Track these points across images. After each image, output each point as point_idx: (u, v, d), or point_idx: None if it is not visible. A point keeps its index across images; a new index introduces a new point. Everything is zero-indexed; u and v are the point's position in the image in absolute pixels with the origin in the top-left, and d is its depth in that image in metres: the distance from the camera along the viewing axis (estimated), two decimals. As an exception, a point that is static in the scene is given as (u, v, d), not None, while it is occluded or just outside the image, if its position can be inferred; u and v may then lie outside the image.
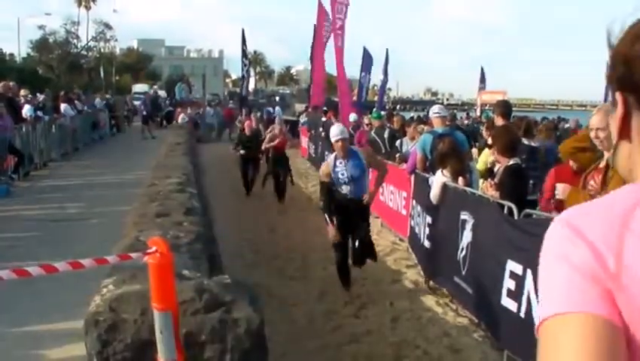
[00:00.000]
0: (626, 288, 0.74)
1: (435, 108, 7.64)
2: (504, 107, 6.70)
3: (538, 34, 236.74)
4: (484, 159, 6.75)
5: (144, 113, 23.38)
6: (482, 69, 30.60)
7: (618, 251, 0.75)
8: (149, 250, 2.46)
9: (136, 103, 27.52)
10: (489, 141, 6.34)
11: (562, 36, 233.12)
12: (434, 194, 6.14)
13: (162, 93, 34.75)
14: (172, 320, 2.47)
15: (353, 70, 25.71)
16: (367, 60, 21.76)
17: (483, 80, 30.34)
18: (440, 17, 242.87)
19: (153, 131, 22.03)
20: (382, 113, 15.00)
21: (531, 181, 5.70)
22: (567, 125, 20.24)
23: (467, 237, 5.40)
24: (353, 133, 13.33)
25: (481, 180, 6.24)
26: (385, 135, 10.92)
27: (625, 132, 0.85)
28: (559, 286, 0.78)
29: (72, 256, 2.44)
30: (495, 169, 5.69)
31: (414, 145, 8.45)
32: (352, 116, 14.11)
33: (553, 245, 0.82)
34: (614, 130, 0.87)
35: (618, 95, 0.84)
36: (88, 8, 65.40)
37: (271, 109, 29.89)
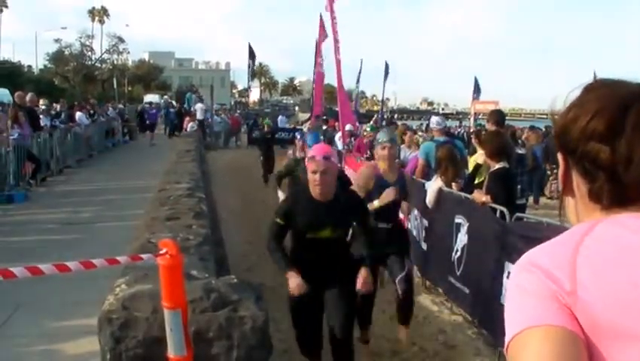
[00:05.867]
0: (582, 299, 0.80)
1: (435, 120, 7.80)
2: (498, 116, 6.71)
3: (530, 47, 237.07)
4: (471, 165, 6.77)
5: (147, 122, 23.99)
6: (475, 79, 30.56)
7: (572, 273, 0.82)
8: (160, 252, 2.48)
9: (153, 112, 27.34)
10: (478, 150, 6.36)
11: (553, 48, 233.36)
12: (430, 199, 6.15)
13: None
14: (181, 317, 2.48)
15: (353, 81, 25.80)
16: (360, 71, 22.07)
17: (476, 90, 30.30)
18: (437, 30, 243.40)
19: (155, 139, 22.30)
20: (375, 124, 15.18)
21: (518, 186, 5.71)
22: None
23: (461, 239, 5.41)
24: (352, 141, 13.38)
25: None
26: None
27: (568, 188, 0.95)
28: (521, 309, 0.85)
29: (86, 257, 2.45)
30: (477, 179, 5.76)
31: (411, 152, 8.50)
32: (347, 126, 14.19)
33: (517, 277, 0.89)
34: (560, 187, 0.98)
35: (560, 156, 0.95)
36: (102, 22, 65.88)
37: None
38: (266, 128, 17.44)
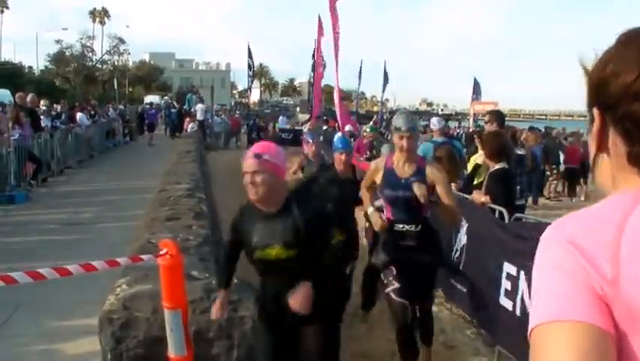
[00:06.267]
0: (625, 291, 0.74)
1: (434, 121, 7.82)
2: (497, 116, 6.70)
3: (528, 48, 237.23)
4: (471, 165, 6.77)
5: (146, 121, 24.37)
6: (475, 80, 30.55)
7: (614, 257, 0.75)
8: (160, 252, 2.48)
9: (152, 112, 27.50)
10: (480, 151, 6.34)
11: (550, 49, 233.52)
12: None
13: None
14: (181, 317, 2.48)
15: (353, 82, 25.81)
16: (360, 73, 22.23)
17: (475, 90, 30.29)
18: (436, 30, 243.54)
19: (154, 140, 22.56)
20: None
21: (518, 187, 5.71)
22: (556, 132, 20.11)
23: (460, 240, 5.41)
24: (352, 142, 13.39)
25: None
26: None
27: (603, 146, 0.87)
28: (552, 293, 0.77)
29: (87, 257, 2.45)
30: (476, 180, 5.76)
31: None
32: (347, 127, 14.23)
33: (548, 252, 0.81)
34: (592, 145, 0.89)
35: (595, 111, 0.86)
36: (103, 23, 65.94)
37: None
38: (270, 131, 16.52)
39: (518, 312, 4.06)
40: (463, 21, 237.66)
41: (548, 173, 14.45)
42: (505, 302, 4.28)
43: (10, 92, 19.87)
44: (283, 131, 22.85)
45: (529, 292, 3.91)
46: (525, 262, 4.05)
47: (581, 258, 0.76)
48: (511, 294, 4.19)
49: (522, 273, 4.05)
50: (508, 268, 4.27)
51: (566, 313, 0.75)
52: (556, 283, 0.77)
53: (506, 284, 4.30)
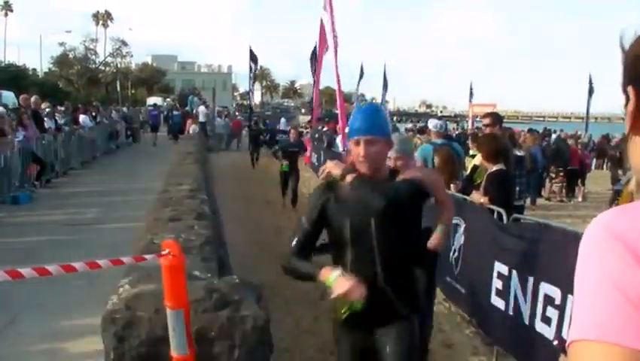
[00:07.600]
0: None
1: (432, 122, 7.79)
2: (495, 117, 6.69)
3: (528, 49, 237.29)
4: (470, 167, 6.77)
5: (150, 122, 25.28)
6: (471, 83, 30.75)
7: None
8: (162, 252, 2.48)
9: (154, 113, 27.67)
10: (471, 152, 6.35)
11: (550, 51, 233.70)
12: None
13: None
14: (183, 317, 2.48)
15: (353, 84, 25.79)
16: (360, 75, 22.35)
17: (472, 93, 30.43)
18: (436, 32, 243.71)
19: (156, 140, 23.06)
20: None
21: (517, 188, 5.72)
22: (556, 135, 20.09)
23: (459, 240, 5.41)
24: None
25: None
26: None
27: (638, 125, 0.80)
28: (600, 306, 0.66)
29: (90, 257, 2.45)
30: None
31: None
32: (347, 128, 14.18)
33: (596, 255, 0.69)
34: (627, 125, 0.82)
35: (630, 90, 0.80)
36: (106, 26, 66.04)
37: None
38: (292, 137, 12.71)
39: (514, 312, 4.06)
40: (463, 21, 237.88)
41: (553, 175, 14.52)
42: (502, 302, 4.28)
43: (14, 94, 19.94)
44: (282, 132, 22.95)
45: (524, 293, 3.91)
46: (523, 262, 4.06)
47: (629, 256, 0.66)
48: (508, 294, 4.19)
49: (518, 273, 4.05)
50: (506, 268, 4.28)
51: (615, 336, 0.63)
52: (606, 296, 0.66)
53: (503, 284, 4.30)
